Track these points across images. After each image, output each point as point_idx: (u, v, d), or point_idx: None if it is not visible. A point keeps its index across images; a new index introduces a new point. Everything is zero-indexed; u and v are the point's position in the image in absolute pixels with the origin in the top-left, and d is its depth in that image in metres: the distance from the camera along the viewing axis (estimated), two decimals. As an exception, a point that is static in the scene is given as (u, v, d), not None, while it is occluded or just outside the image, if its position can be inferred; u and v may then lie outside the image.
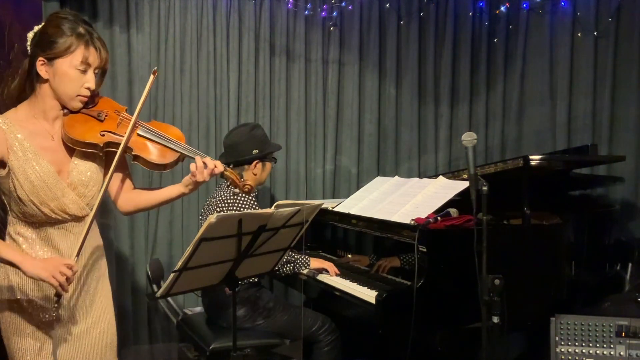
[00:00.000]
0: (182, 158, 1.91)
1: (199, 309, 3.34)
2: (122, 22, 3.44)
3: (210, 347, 2.72)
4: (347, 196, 3.39)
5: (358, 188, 3.53)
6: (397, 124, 3.97)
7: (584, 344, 2.54)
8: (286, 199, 3.75)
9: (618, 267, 3.25)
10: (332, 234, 3.25)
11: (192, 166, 1.85)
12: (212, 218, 1.70)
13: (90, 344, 1.94)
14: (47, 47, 1.77)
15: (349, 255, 3.03)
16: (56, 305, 1.73)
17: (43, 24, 1.84)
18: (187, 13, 3.54)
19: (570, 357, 2.54)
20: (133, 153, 1.86)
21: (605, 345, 2.51)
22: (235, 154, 2.97)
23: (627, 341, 2.49)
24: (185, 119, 3.57)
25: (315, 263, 2.88)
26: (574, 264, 2.85)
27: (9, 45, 2.45)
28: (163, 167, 1.90)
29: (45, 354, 1.84)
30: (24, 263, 1.69)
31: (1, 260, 1.72)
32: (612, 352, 2.50)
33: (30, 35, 1.85)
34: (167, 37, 3.53)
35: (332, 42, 3.81)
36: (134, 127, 1.86)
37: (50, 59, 1.77)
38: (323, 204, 2.24)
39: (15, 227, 1.84)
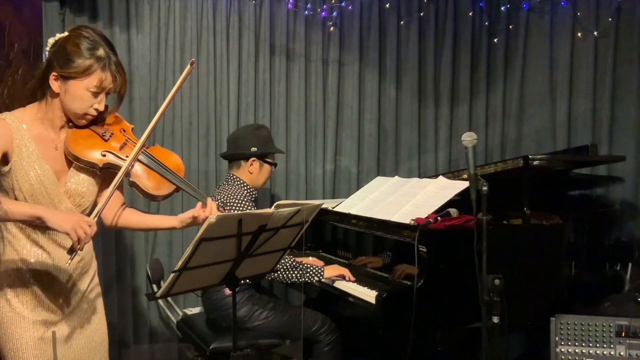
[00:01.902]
0: (177, 190, 1.94)
1: (198, 309, 3.34)
2: (122, 22, 3.44)
3: (210, 347, 2.72)
4: (347, 196, 3.39)
5: (358, 188, 3.53)
6: (397, 124, 3.96)
7: (584, 344, 2.54)
8: (286, 199, 3.75)
9: (618, 267, 3.25)
10: (332, 234, 3.25)
11: (198, 210, 1.91)
12: (212, 218, 1.70)
13: (81, 345, 1.96)
14: (63, 64, 1.77)
15: (363, 257, 3.00)
16: (70, 261, 1.72)
17: (65, 35, 1.83)
18: (187, 13, 3.54)
19: (570, 357, 2.54)
20: (130, 179, 1.88)
21: (605, 345, 2.51)
22: (234, 148, 2.98)
23: (627, 341, 2.49)
24: (185, 119, 3.57)
25: (330, 271, 2.75)
26: (574, 264, 2.85)
27: (9, 45, 2.45)
28: (157, 197, 1.93)
29: (37, 353, 1.84)
30: (47, 214, 1.69)
31: (25, 216, 1.73)
32: (612, 352, 2.50)
33: (51, 41, 1.84)
34: (167, 37, 3.53)
35: (332, 42, 3.81)
36: (137, 154, 1.87)
37: (64, 77, 1.77)
38: (323, 204, 2.24)
39: (8, 227, 1.84)
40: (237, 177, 2.94)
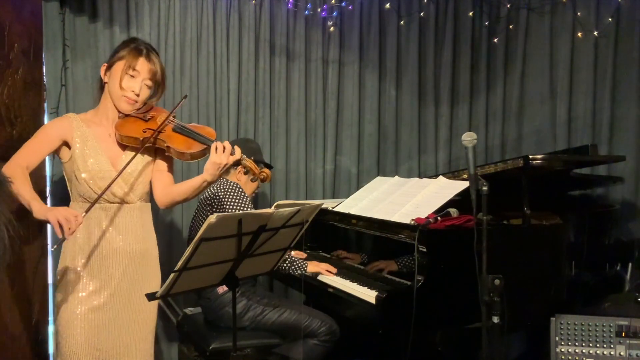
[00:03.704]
0: (208, 150, 2.17)
1: (199, 309, 3.34)
2: (122, 22, 3.44)
3: (210, 347, 2.72)
4: (347, 196, 3.39)
5: (358, 188, 3.53)
6: (397, 124, 3.96)
7: (584, 344, 2.54)
8: (286, 199, 3.75)
9: (618, 267, 3.26)
10: (332, 234, 3.25)
11: (212, 148, 2.12)
12: (212, 218, 1.70)
13: (127, 332, 2.22)
14: (111, 57, 2.24)
15: (341, 251, 3.03)
16: (54, 246, 2.06)
17: None
18: (187, 13, 3.54)
19: (570, 357, 2.54)
20: (165, 144, 2.19)
21: (605, 345, 2.52)
22: None
23: (627, 341, 2.50)
24: (185, 119, 3.56)
25: (312, 267, 2.86)
26: (574, 264, 2.85)
27: (9, 45, 2.45)
28: (189, 156, 2.20)
29: (84, 326, 2.15)
30: (34, 205, 1.99)
31: (22, 200, 2.01)
32: (612, 352, 2.50)
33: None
34: (167, 37, 3.52)
35: (332, 42, 3.81)
36: (169, 122, 2.22)
37: (110, 65, 2.21)
38: (323, 204, 2.24)
39: (74, 209, 2.13)
40: (226, 179, 2.92)
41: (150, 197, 2.36)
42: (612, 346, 2.51)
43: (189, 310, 3.36)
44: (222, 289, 2.77)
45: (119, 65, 2.17)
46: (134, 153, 2.19)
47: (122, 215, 2.21)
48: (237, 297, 2.80)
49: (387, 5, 3.84)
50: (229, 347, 2.53)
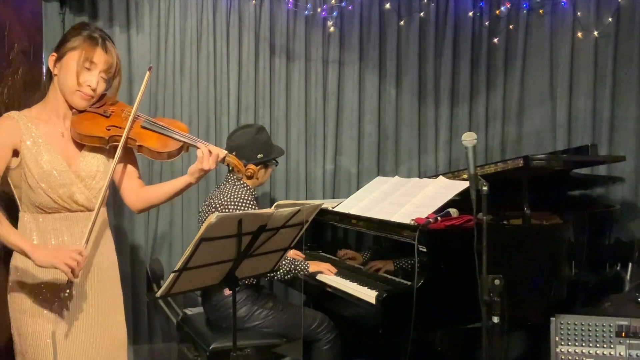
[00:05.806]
0: (185, 147, 2.00)
1: (199, 309, 3.34)
2: (122, 22, 3.44)
3: (210, 347, 2.72)
4: (347, 196, 3.39)
5: (358, 188, 3.53)
6: (397, 124, 3.96)
7: (584, 344, 2.54)
8: (286, 199, 3.75)
9: (618, 267, 3.26)
10: (332, 234, 3.25)
11: (199, 152, 1.93)
12: (212, 218, 1.71)
13: (102, 344, 2.00)
14: (60, 45, 1.94)
15: (347, 251, 3.04)
16: (67, 291, 1.83)
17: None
18: (187, 13, 3.54)
19: (570, 357, 2.54)
20: (137, 144, 1.96)
21: (605, 345, 2.52)
22: (239, 158, 2.95)
23: (627, 341, 2.50)
24: (185, 119, 3.57)
25: (313, 267, 2.87)
26: (574, 264, 2.85)
27: (9, 45, 2.45)
28: (166, 155, 1.99)
29: (58, 336, 1.89)
30: (34, 252, 1.76)
31: (13, 247, 1.81)
32: (612, 352, 2.50)
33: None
34: (167, 37, 3.53)
35: (332, 42, 3.81)
36: (135, 118, 1.99)
37: (60, 56, 1.93)
38: (323, 204, 2.24)
39: (25, 220, 1.93)
40: (238, 179, 2.92)
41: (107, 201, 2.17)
42: (612, 346, 2.51)
43: (189, 310, 3.36)
44: (228, 291, 2.77)
45: (72, 57, 1.90)
46: (93, 154, 1.98)
47: (84, 224, 1.91)
48: (243, 301, 2.82)
49: (387, 5, 3.84)
50: (229, 347, 2.52)
